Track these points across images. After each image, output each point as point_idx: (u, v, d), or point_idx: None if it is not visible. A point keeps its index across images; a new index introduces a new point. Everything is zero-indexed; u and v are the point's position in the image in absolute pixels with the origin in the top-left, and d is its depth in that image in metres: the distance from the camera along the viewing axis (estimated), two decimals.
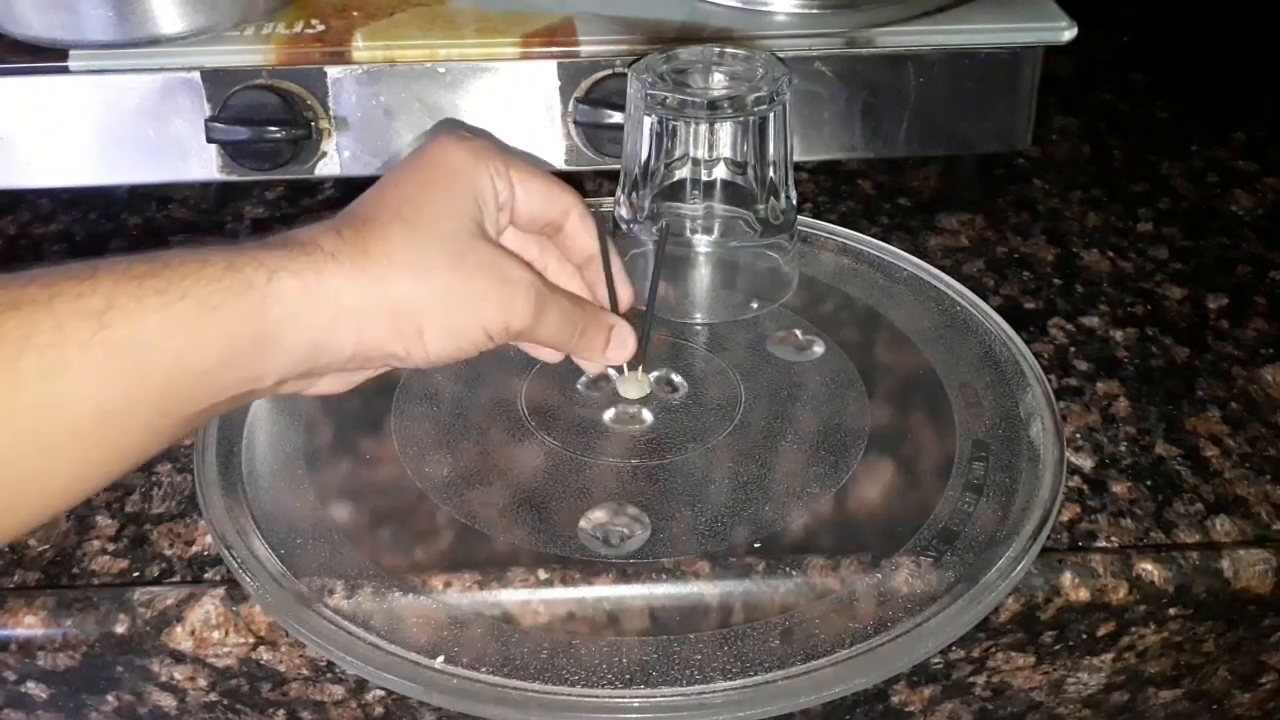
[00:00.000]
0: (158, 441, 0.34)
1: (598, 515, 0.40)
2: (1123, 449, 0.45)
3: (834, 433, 0.43)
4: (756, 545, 0.39)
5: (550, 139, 0.53)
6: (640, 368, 0.44)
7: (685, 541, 0.39)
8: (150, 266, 0.32)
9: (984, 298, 0.50)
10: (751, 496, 0.40)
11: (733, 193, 0.46)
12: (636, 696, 0.34)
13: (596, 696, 0.34)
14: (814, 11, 0.54)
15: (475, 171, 0.38)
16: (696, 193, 0.46)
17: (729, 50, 0.46)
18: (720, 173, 0.46)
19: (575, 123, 0.53)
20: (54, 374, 0.30)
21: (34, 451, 0.31)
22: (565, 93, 0.52)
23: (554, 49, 0.51)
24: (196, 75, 0.50)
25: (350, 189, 0.58)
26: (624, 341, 0.42)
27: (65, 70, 0.50)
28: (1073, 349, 0.50)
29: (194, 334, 0.32)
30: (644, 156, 0.45)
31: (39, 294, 0.31)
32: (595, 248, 0.42)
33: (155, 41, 0.50)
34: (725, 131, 0.45)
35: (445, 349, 0.37)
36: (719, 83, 0.46)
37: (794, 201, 0.48)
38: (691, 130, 0.44)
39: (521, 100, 0.53)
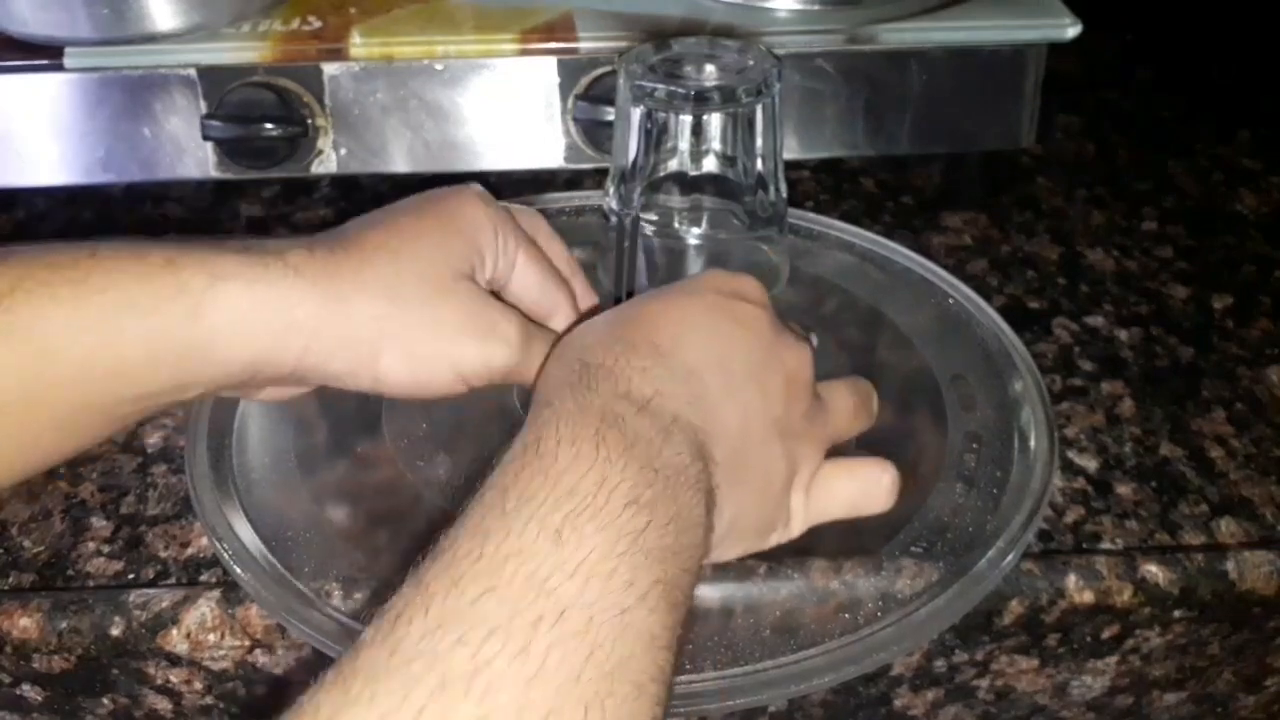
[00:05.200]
0: (76, 438, 0.33)
1: None
2: (1127, 450, 0.44)
3: None
4: None
5: (549, 136, 0.53)
6: None
7: None
8: (74, 256, 0.31)
9: (987, 297, 0.49)
10: None
11: (722, 185, 0.46)
12: None
13: None
14: (816, 8, 0.54)
15: (483, 231, 0.37)
16: (685, 185, 0.46)
17: (720, 41, 0.46)
18: (709, 165, 0.45)
19: (574, 120, 0.52)
20: None
21: None
22: (564, 89, 0.52)
23: (553, 45, 0.51)
24: (192, 72, 0.50)
25: (346, 187, 0.58)
26: None
27: (60, 68, 0.49)
28: (1077, 349, 0.49)
29: (109, 331, 0.30)
30: (633, 148, 0.45)
31: None
32: None
33: (151, 39, 0.50)
34: (714, 124, 0.44)
35: (401, 379, 0.35)
36: (709, 75, 0.45)
37: (784, 195, 0.47)
38: (680, 122, 0.44)
39: (520, 97, 0.52)
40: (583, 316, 0.41)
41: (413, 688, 0.22)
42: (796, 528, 0.36)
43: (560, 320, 0.40)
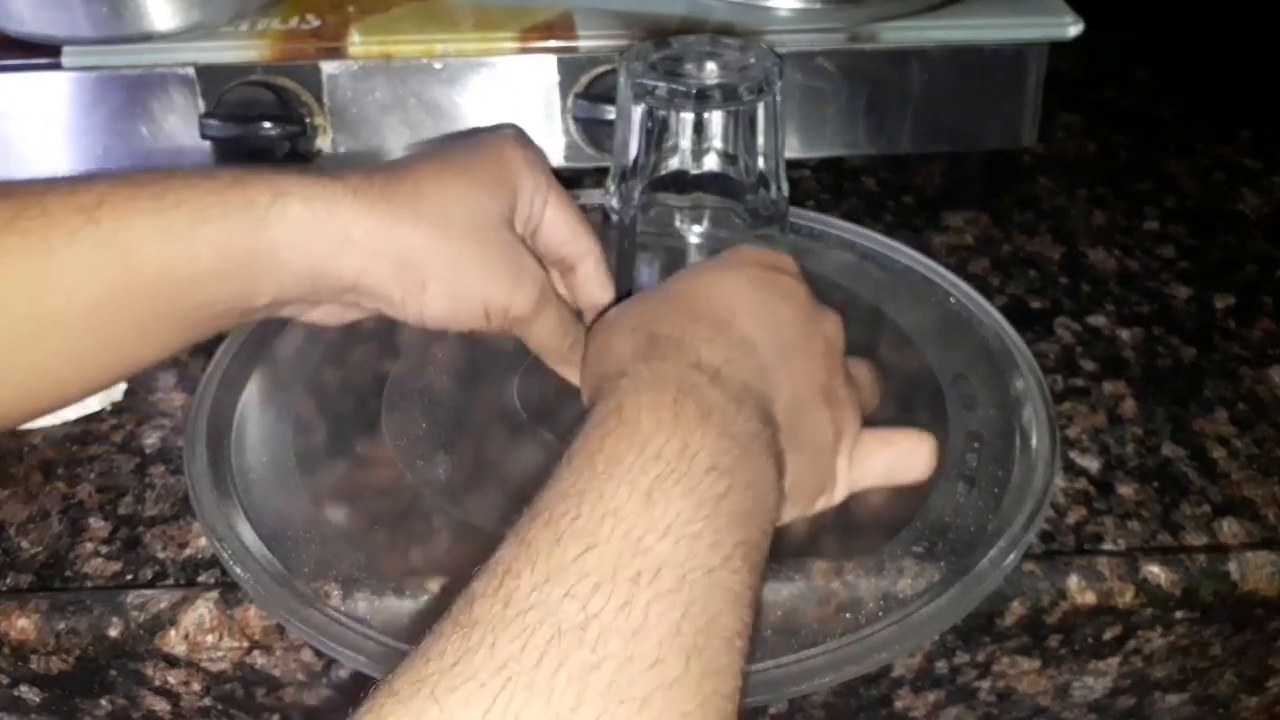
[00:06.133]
0: (154, 345, 0.35)
1: None
2: (1129, 450, 0.44)
3: None
4: None
5: (549, 135, 0.53)
6: None
7: None
8: (152, 176, 0.34)
9: (989, 297, 0.49)
10: None
11: (723, 184, 0.46)
12: None
13: None
14: (817, 6, 0.53)
15: (523, 176, 0.39)
16: (686, 183, 0.46)
17: (721, 39, 0.46)
18: (710, 163, 0.45)
19: (574, 118, 0.52)
20: (37, 256, 0.32)
21: (19, 330, 0.32)
22: (564, 88, 0.52)
23: (553, 44, 0.51)
24: (191, 71, 0.50)
25: None
26: None
27: (58, 66, 0.49)
28: (1079, 349, 0.49)
29: (185, 240, 0.33)
30: (633, 146, 0.45)
31: (34, 188, 0.32)
32: (602, 299, 0.42)
33: (149, 37, 0.50)
34: (715, 122, 0.44)
35: (442, 311, 0.37)
36: (710, 73, 0.45)
37: (785, 193, 0.47)
38: (680, 120, 0.44)
39: (520, 96, 0.52)
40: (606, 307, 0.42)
41: (530, 636, 0.23)
42: (839, 493, 0.37)
43: (589, 266, 0.42)
